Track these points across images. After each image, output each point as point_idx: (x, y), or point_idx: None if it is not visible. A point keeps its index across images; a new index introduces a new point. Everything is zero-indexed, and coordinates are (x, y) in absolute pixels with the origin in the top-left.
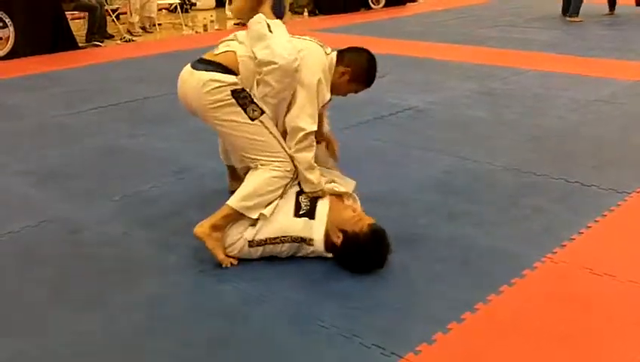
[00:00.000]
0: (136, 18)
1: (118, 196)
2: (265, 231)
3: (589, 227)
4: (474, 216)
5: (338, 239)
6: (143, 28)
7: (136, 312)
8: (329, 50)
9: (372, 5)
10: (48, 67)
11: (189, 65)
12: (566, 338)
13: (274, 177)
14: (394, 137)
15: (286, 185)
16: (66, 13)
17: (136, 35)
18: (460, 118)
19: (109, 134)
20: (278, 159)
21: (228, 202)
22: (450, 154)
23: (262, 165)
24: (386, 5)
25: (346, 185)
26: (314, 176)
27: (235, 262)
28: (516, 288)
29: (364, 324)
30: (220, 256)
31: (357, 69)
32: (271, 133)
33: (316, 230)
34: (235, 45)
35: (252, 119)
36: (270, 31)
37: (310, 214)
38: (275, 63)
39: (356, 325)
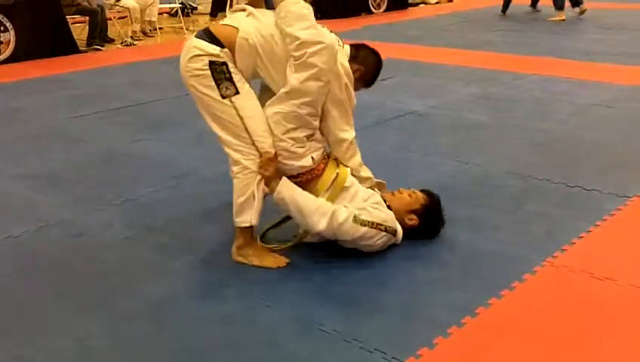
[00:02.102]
0: (137, 27)
1: (120, 200)
2: (368, 216)
3: (590, 231)
4: (475, 220)
5: (414, 221)
6: (144, 32)
7: (137, 316)
8: (341, 43)
9: (373, 9)
10: (49, 71)
11: None
12: (567, 342)
13: (243, 183)
14: (396, 141)
15: (256, 175)
16: (67, 17)
17: (137, 39)
18: (462, 122)
19: (110, 138)
20: (242, 144)
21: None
22: (451, 159)
23: (226, 146)
24: (387, 9)
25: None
26: (367, 172)
27: (283, 263)
28: (517, 292)
29: (366, 329)
30: (264, 263)
31: (368, 69)
32: (239, 115)
33: (396, 222)
34: (243, 21)
35: (223, 97)
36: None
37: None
38: (322, 43)
39: (357, 329)
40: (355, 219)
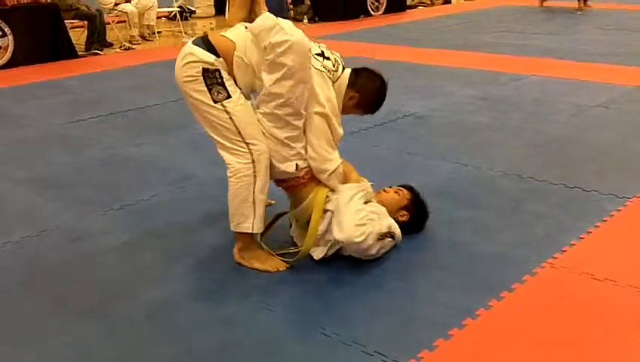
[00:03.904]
0: (135, 32)
1: (119, 205)
2: (383, 227)
3: (590, 232)
4: (474, 222)
5: (405, 217)
6: (143, 36)
7: (137, 321)
8: (339, 69)
9: (371, 12)
10: (48, 76)
11: None
12: (567, 343)
13: (237, 187)
14: (395, 144)
15: (250, 179)
16: (66, 21)
17: (135, 44)
18: (461, 124)
19: (109, 143)
20: (235, 147)
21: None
22: (450, 161)
23: (221, 149)
24: (385, 12)
25: None
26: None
27: (283, 267)
28: (517, 294)
29: (366, 331)
30: (264, 266)
31: (365, 97)
32: (231, 118)
33: (393, 224)
34: (241, 36)
35: (215, 101)
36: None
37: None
38: (289, 41)
39: (357, 332)
40: (380, 237)
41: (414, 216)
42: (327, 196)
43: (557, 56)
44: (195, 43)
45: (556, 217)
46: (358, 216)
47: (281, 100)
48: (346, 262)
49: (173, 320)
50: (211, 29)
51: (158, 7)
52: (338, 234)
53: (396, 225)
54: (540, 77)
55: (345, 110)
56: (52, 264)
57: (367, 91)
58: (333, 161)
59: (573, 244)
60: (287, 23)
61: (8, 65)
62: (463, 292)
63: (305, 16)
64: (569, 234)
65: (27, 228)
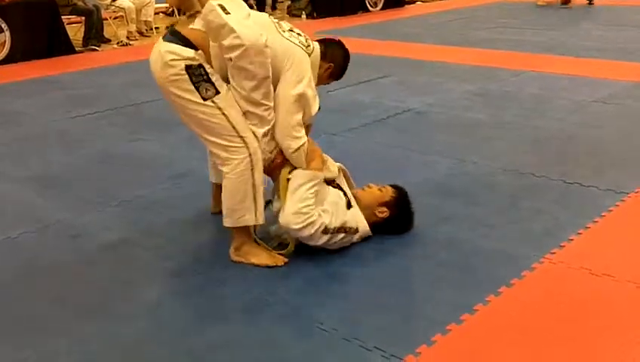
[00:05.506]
0: (133, 27)
1: (117, 201)
2: (334, 221)
3: (588, 228)
4: (473, 218)
5: (385, 213)
6: (140, 32)
7: (136, 318)
8: (310, 44)
9: (370, 7)
10: (45, 72)
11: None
12: (565, 338)
13: (238, 181)
14: (394, 140)
15: (249, 173)
16: (63, 17)
17: (133, 39)
18: (459, 120)
19: (107, 139)
20: (232, 144)
21: (224, 224)
22: (449, 157)
23: (216, 149)
24: (383, 7)
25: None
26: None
27: (281, 262)
28: (515, 289)
29: (364, 327)
30: (262, 262)
31: (338, 65)
32: (224, 114)
33: (359, 218)
34: None
35: (204, 99)
36: (226, 12)
37: (349, 205)
38: (243, 46)
39: (356, 328)
40: (325, 230)
41: (395, 213)
42: (287, 179)
43: (556, 52)
44: (167, 40)
45: (554, 213)
46: (300, 203)
47: (251, 100)
48: (344, 257)
49: (171, 318)
50: None
51: (156, 3)
52: (280, 218)
53: (364, 222)
54: (539, 73)
55: (319, 81)
56: (51, 261)
57: (338, 59)
58: (299, 138)
59: (572, 240)
60: (233, 20)
61: (5, 61)
62: (461, 288)
63: (303, 12)
64: (567, 230)
65: (25, 225)
